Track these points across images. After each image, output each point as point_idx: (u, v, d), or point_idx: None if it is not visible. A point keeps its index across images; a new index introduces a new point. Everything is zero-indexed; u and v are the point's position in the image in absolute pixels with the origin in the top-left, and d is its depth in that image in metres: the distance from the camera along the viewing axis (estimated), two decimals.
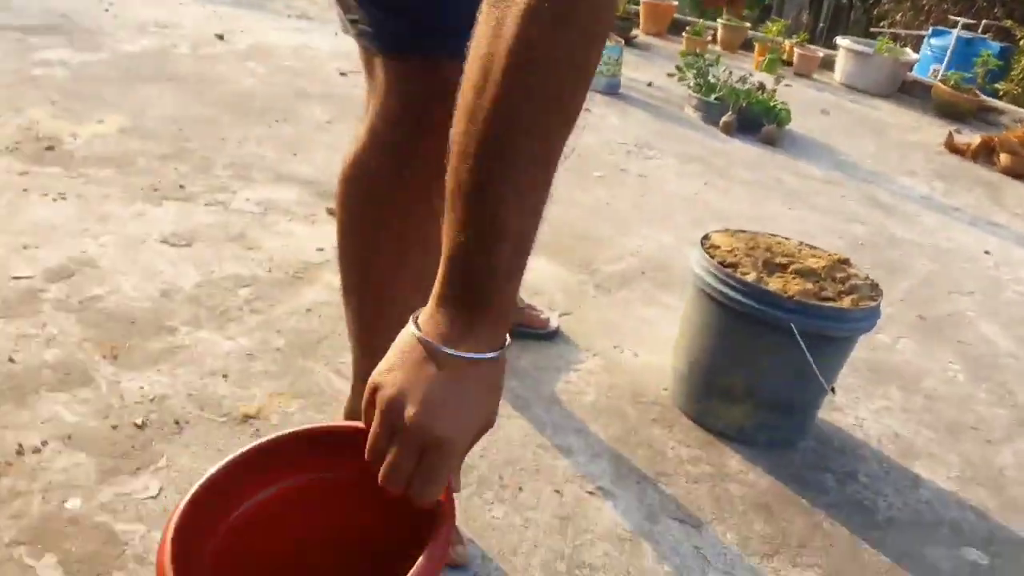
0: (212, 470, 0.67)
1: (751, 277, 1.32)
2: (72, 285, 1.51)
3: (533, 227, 0.56)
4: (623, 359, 1.64)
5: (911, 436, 1.59)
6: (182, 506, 0.63)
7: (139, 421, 1.20)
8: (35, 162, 1.98)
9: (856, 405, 1.66)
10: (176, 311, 1.48)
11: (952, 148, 4.32)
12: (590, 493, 1.24)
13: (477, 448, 1.30)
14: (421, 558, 0.60)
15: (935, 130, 4.73)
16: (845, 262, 1.41)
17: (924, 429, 1.63)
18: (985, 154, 4.17)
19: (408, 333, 0.58)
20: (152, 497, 1.07)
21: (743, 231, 1.51)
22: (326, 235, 1.87)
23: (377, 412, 0.57)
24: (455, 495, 0.63)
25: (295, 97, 2.94)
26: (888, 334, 1.99)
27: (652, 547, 1.16)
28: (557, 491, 1.23)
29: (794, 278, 1.31)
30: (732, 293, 1.31)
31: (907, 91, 5.83)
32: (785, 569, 1.17)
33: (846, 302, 1.30)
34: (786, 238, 1.53)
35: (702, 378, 1.44)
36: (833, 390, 1.33)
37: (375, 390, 0.58)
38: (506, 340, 0.58)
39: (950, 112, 5.27)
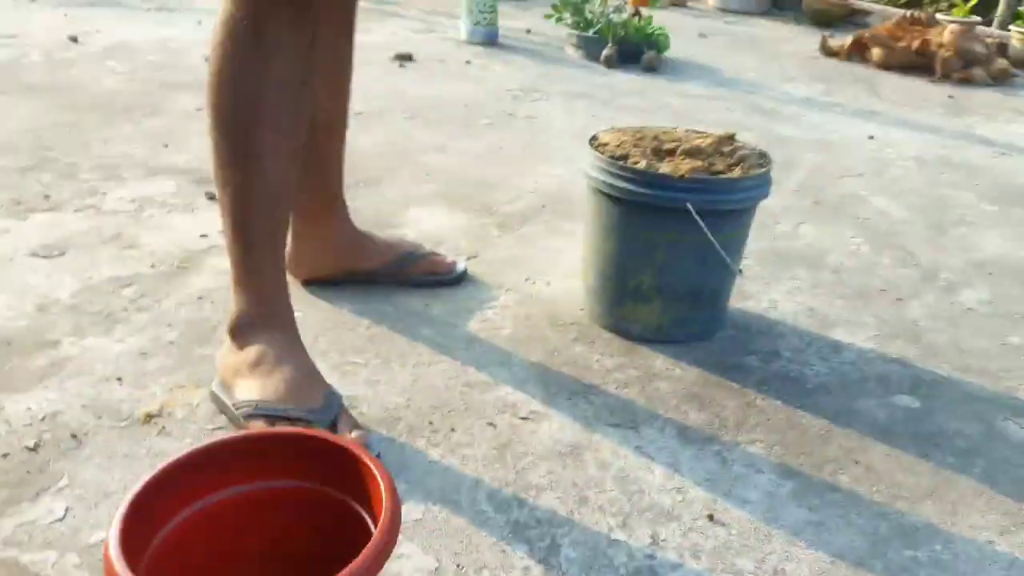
0: (134, 490, 0.67)
1: (642, 164, 1.31)
2: None
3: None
4: (536, 290, 1.61)
5: (825, 308, 1.62)
6: (116, 525, 0.63)
7: (31, 443, 1.09)
8: None
9: (767, 290, 1.68)
10: (56, 323, 1.37)
11: (827, 51, 4.45)
12: (523, 419, 1.21)
13: (400, 398, 1.24)
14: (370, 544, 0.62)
15: (810, 38, 4.86)
16: (731, 138, 1.41)
17: (836, 299, 1.66)
18: (858, 52, 4.31)
19: None
20: (59, 520, 0.98)
21: (630, 127, 1.50)
22: (208, 221, 1.77)
23: None
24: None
25: (161, 90, 2.79)
26: (788, 222, 2.03)
27: (593, 456, 1.14)
28: (490, 423, 1.19)
29: (684, 159, 1.29)
30: (624, 184, 1.29)
31: (779, 6, 5.97)
32: (727, 450, 1.17)
33: (736, 172, 1.30)
34: (673, 127, 1.52)
35: (612, 285, 1.42)
36: (740, 271, 1.32)
37: None
38: None
39: (823, 20, 5.44)
